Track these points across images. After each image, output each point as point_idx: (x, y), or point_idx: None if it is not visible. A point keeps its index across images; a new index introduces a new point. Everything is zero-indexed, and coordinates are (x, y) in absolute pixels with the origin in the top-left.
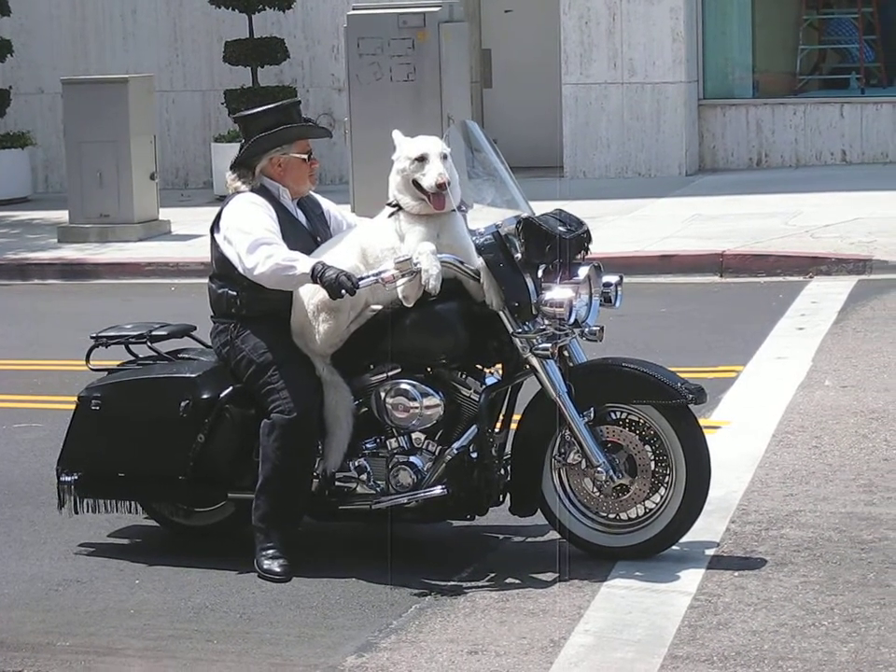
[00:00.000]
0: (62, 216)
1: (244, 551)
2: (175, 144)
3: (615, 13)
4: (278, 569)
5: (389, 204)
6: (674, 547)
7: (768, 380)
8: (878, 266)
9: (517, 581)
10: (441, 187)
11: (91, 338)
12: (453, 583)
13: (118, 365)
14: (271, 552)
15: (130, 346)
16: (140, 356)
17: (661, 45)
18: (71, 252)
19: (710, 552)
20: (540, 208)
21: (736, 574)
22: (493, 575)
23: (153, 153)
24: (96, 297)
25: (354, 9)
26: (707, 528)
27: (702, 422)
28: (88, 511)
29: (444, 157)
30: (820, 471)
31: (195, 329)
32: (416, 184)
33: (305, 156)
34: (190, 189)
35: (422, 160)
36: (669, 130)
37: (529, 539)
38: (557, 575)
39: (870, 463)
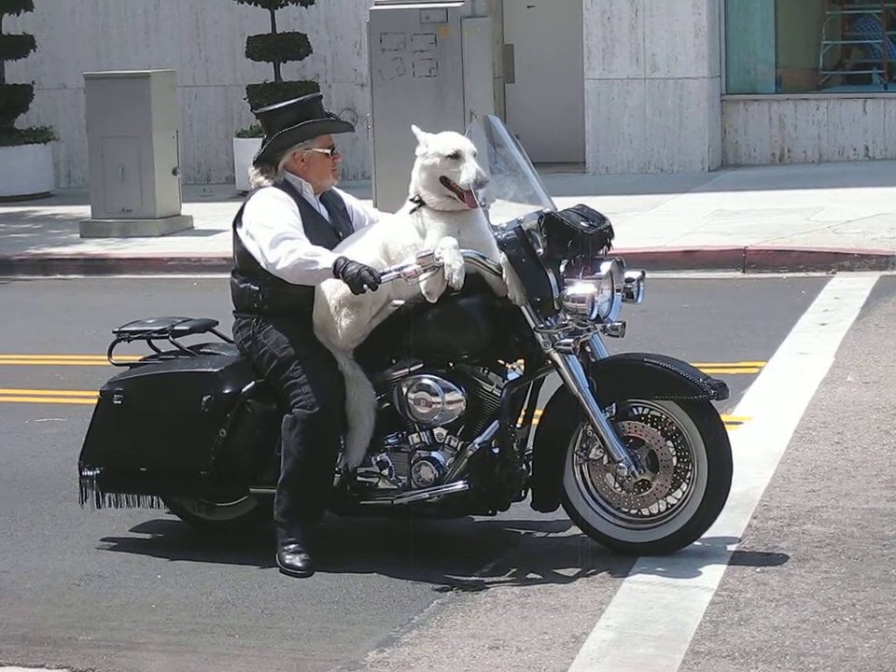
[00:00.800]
0: (84, 211)
1: (265, 546)
2: (197, 139)
3: (637, 8)
4: (300, 564)
5: (412, 200)
6: (695, 543)
7: (790, 376)
8: None
9: (539, 577)
10: (480, 185)
11: (114, 332)
12: (474, 578)
13: (140, 360)
14: (292, 546)
15: (152, 341)
16: (162, 350)
17: (683, 40)
18: (93, 247)
19: (732, 547)
20: (563, 203)
21: (758, 570)
22: (514, 570)
23: (175, 148)
24: (118, 292)
25: (376, 5)
26: (729, 524)
27: (724, 418)
28: (110, 506)
29: (475, 154)
30: (842, 467)
31: (217, 323)
32: (444, 180)
33: (328, 151)
34: (213, 184)
35: (455, 157)
36: (692, 125)
37: (551, 535)
38: (579, 570)
39: (892, 459)
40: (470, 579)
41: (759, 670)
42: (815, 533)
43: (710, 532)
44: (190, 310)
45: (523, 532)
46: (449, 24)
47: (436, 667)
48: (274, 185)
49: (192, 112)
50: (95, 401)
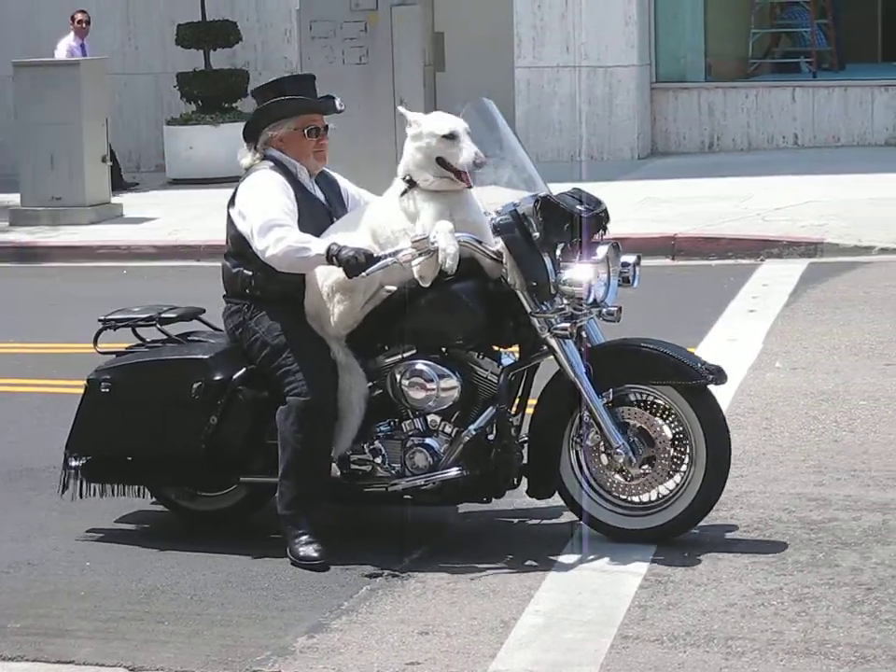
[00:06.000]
0: (13, 198)
1: (196, 532)
2: (127, 127)
3: None
4: (315, 554)
5: (403, 180)
6: None
7: (719, 361)
8: (829, 249)
9: (468, 562)
10: (479, 165)
11: (99, 321)
12: (403, 565)
13: (126, 348)
14: (304, 538)
15: (137, 329)
16: (147, 339)
17: (613, 28)
18: (23, 235)
19: None
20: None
21: (686, 555)
22: (444, 556)
23: (105, 136)
24: (48, 280)
25: None
26: None
27: None
28: (95, 496)
29: (469, 133)
30: (771, 453)
31: (204, 311)
32: (441, 161)
33: (306, 130)
34: (142, 172)
35: (451, 137)
36: (621, 113)
37: (479, 521)
38: (508, 556)
39: (820, 444)
40: (400, 565)
41: (687, 654)
42: (743, 518)
43: None
44: (120, 298)
45: (452, 518)
46: (378, 12)
47: (365, 653)
48: (270, 167)
49: (122, 100)
50: (19, 391)
